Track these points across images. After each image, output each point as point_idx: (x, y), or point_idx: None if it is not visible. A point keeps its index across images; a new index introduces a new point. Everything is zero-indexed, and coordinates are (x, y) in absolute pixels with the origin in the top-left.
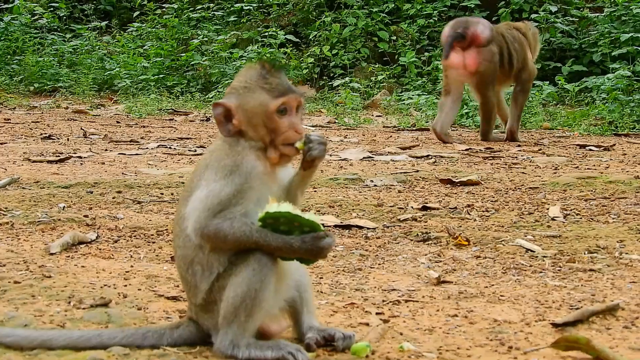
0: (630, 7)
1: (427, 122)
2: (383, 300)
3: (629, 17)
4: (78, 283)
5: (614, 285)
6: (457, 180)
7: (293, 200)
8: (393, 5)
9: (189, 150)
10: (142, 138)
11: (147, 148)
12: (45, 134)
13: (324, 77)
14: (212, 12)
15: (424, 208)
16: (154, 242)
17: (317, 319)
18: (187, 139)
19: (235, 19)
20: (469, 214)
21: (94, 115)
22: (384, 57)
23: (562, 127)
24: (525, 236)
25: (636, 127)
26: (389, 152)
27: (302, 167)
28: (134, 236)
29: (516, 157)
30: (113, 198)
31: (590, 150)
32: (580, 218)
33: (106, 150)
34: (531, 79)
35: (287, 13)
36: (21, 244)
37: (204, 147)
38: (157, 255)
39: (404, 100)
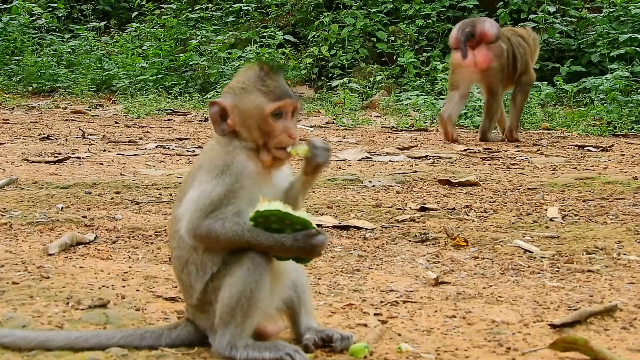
0: (629, 8)
1: (426, 122)
2: (381, 301)
3: (627, 18)
4: (76, 284)
5: (612, 286)
6: (455, 181)
7: (293, 205)
8: (391, 5)
9: (188, 151)
10: (140, 138)
11: (145, 148)
12: (44, 134)
13: (323, 78)
14: (211, 13)
15: (422, 209)
16: (152, 243)
17: (315, 319)
18: (186, 139)
19: (234, 19)
20: (467, 215)
21: (92, 116)
22: (383, 57)
23: (561, 128)
24: (524, 237)
25: (634, 128)
26: (387, 153)
27: (305, 172)
28: (132, 237)
29: (514, 158)
30: (111, 199)
31: (589, 150)
32: (579, 219)
33: (104, 150)
34: (531, 83)
35: (285, 13)
36: (19, 244)
37: (202, 148)
38: (155, 256)
39: (402, 100)
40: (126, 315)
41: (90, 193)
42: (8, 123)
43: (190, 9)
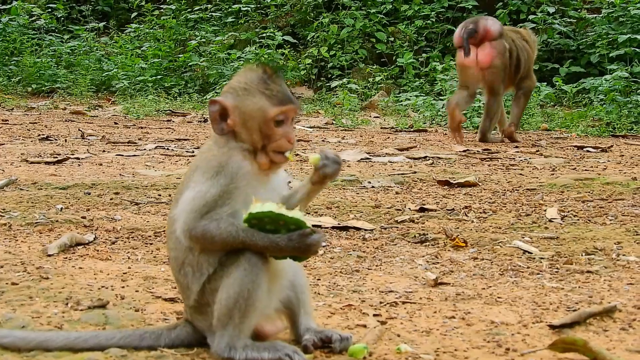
0: (628, 8)
1: (425, 123)
2: (380, 302)
3: (626, 19)
4: (75, 284)
5: (611, 286)
6: (454, 182)
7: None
8: (391, 6)
9: (187, 152)
10: (139, 139)
11: (144, 149)
12: (43, 135)
13: (322, 78)
14: (210, 13)
15: (422, 209)
16: (151, 244)
17: (314, 320)
18: (185, 140)
19: (233, 20)
20: (467, 216)
21: (91, 116)
22: (382, 58)
23: (560, 129)
24: (523, 238)
25: (634, 129)
26: (386, 154)
27: (312, 181)
28: (132, 237)
29: (514, 159)
30: (110, 199)
31: (588, 151)
32: (578, 220)
33: (104, 151)
34: (533, 87)
35: (284, 14)
36: (19, 245)
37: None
38: (154, 257)
39: (401, 101)
40: (125, 316)
41: (89, 194)
42: (7, 124)
43: (189, 10)
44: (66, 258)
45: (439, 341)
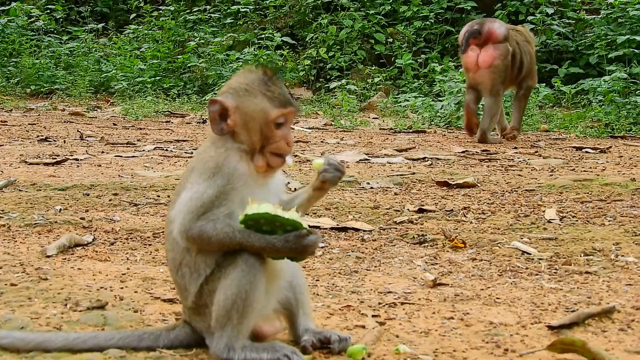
0: (627, 9)
1: (424, 124)
2: (379, 303)
3: (625, 19)
4: (74, 285)
5: (610, 287)
6: (453, 183)
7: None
8: (389, 7)
9: (186, 153)
10: (138, 140)
11: (143, 150)
12: (42, 136)
13: (321, 79)
14: (209, 14)
15: (420, 210)
16: (150, 245)
17: (313, 321)
18: (184, 141)
19: (232, 21)
20: (465, 217)
21: (90, 118)
22: (381, 59)
23: (559, 129)
24: (522, 238)
25: (632, 130)
26: (385, 155)
27: (313, 186)
28: (130, 238)
29: (512, 160)
30: (109, 200)
31: (587, 152)
32: (577, 220)
33: (102, 152)
34: (533, 87)
35: (283, 15)
36: (17, 246)
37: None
38: (153, 258)
39: (400, 102)
40: (124, 317)
41: (88, 195)
42: (6, 125)
43: (188, 11)
44: (65, 259)
45: (437, 342)
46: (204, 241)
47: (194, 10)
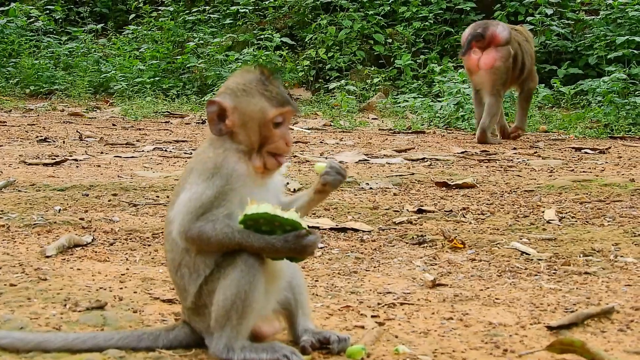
0: (626, 10)
1: (423, 124)
2: (378, 303)
3: (624, 20)
4: (74, 286)
5: (609, 288)
6: (452, 183)
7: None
8: (389, 8)
9: (185, 153)
10: (137, 141)
11: (142, 151)
12: (41, 136)
13: (320, 80)
14: (208, 15)
15: (420, 211)
16: (149, 245)
17: (312, 321)
18: (183, 141)
19: (231, 21)
20: (465, 217)
21: (89, 118)
22: (380, 59)
23: (558, 130)
24: (521, 239)
25: (632, 130)
26: (384, 155)
27: (314, 189)
28: (130, 239)
29: (512, 160)
30: (109, 201)
31: (586, 153)
32: (576, 221)
33: (102, 153)
34: (534, 87)
35: (283, 16)
36: (17, 246)
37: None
38: (152, 258)
39: (399, 103)
40: (123, 317)
41: (87, 195)
42: (5, 125)
43: (187, 12)
44: (64, 259)
45: (437, 342)
46: (203, 242)
47: (193, 10)
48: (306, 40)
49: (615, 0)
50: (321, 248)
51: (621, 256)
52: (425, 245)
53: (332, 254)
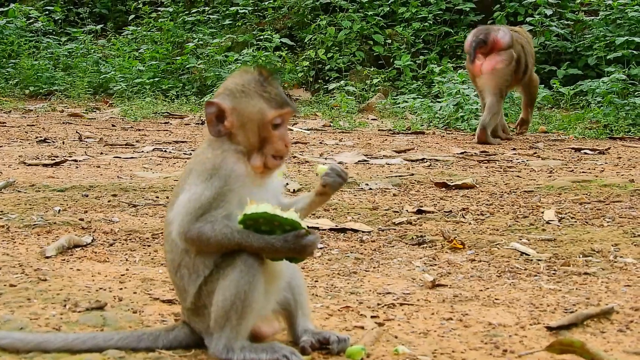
0: (626, 10)
1: (422, 125)
2: (378, 304)
3: (624, 21)
4: (73, 286)
5: (609, 288)
6: (452, 184)
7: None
8: (388, 8)
9: (184, 154)
10: (137, 141)
11: (142, 151)
12: (41, 137)
13: (319, 81)
14: (207, 16)
15: (419, 211)
16: (149, 246)
17: (312, 322)
18: (183, 142)
19: (231, 22)
20: (464, 218)
21: (89, 119)
22: (379, 60)
23: (557, 131)
24: (520, 240)
25: (631, 131)
26: (384, 156)
27: (316, 192)
28: (130, 239)
29: (511, 161)
30: (108, 201)
31: (585, 153)
32: (575, 222)
33: (101, 153)
34: (536, 89)
35: (282, 16)
36: (17, 247)
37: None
38: (152, 259)
39: (399, 103)
40: (123, 318)
41: (87, 196)
42: (5, 126)
43: (186, 12)
44: (64, 260)
45: (436, 343)
46: (202, 242)
47: (193, 11)
48: (305, 41)
49: (614, 1)
50: (321, 248)
51: (621, 257)
52: (425, 245)
53: (332, 254)
